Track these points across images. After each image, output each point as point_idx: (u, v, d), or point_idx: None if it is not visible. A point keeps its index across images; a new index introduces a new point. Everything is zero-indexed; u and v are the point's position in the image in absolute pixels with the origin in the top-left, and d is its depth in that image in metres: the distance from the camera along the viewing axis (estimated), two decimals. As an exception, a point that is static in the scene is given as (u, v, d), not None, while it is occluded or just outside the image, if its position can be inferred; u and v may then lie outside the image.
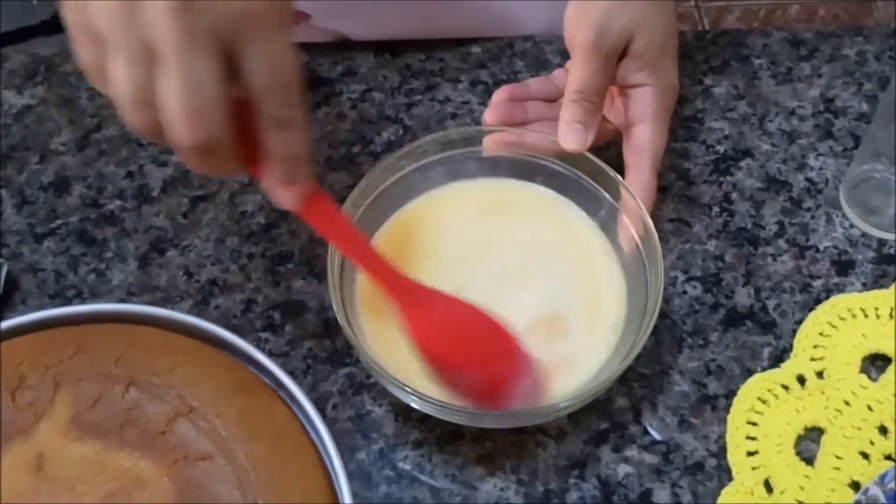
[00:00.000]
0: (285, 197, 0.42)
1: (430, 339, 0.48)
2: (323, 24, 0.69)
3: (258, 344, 0.53)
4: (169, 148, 0.39)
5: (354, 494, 0.44)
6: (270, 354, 0.50)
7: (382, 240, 0.53)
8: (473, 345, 0.49)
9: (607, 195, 0.53)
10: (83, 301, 0.55)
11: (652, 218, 0.51)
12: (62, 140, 0.62)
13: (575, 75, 0.53)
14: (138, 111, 0.38)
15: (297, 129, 0.41)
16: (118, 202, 0.59)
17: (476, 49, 0.67)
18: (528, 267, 0.53)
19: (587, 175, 0.54)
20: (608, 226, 0.54)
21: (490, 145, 0.55)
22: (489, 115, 0.55)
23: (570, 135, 0.52)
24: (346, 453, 0.50)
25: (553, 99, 0.57)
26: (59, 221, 0.59)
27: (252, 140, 0.40)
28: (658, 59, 0.54)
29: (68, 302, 0.55)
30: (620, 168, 0.54)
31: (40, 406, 0.44)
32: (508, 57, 0.66)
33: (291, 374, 0.47)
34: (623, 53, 0.53)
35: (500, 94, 0.56)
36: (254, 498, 0.42)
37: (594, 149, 0.53)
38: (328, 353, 0.54)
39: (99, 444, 0.42)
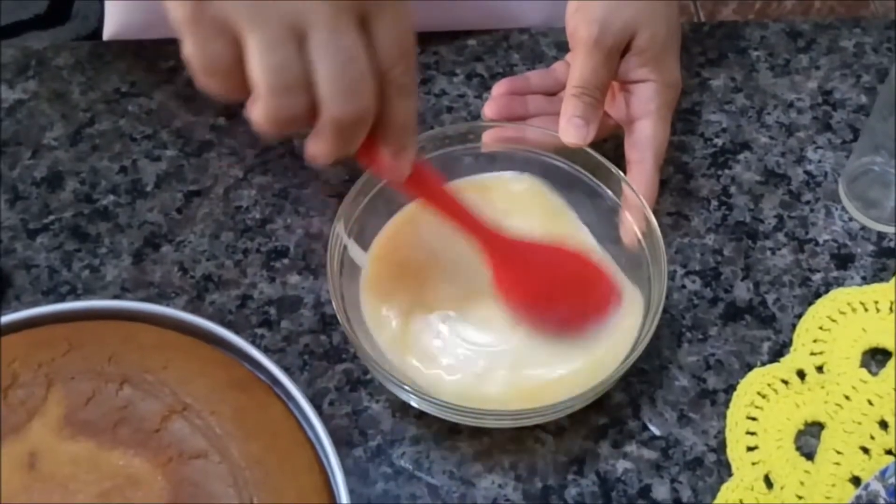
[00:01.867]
0: (397, 167, 0.43)
1: (523, 289, 0.50)
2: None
3: (254, 340, 0.53)
4: (299, 134, 0.39)
5: (351, 492, 0.43)
6: (266, 350, 0.50)
7: (380, 242, 0.53)
8: (564, 285, 0.51)
9: (608, 191, 0.53)
10: (77, 297, 0.55)
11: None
12: (55, 135, 0.62)
13: (576, 70, 0.52)
14: (287, 96, 0.37)
15: (415, 97, 0.42)
16: (112, 197, 0.59)
17: (472, 42, 0.66)
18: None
19: (588, 170, 0.53)
20: (609, 221, 0.53)
21: (489, 141, 0.54)
22: (489, 109, 0.55)
23: (572, 129, 0.52)
24: (343, 450, 0.49)
25: (553, 92, 0.57)
26: (52, 217, 0.58)
27: None
28: (661, 55, 0.54)
29: (62, 298, 0.55)
30: (619, 163, 0.53)
31: (33, 404, 0.43)
32: (504, 50, 0.66)
33: (287, 370, 0.47)
34: (625, 49, 0.53)
35: (500, 88, 0.55)
36: (249, 496, 0.41)
37: (592, 143, 0.52)
38: (324, 349, 0.53)
39: (92, 442, 0.42)
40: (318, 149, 0.40)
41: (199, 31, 0.37)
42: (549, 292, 0.51)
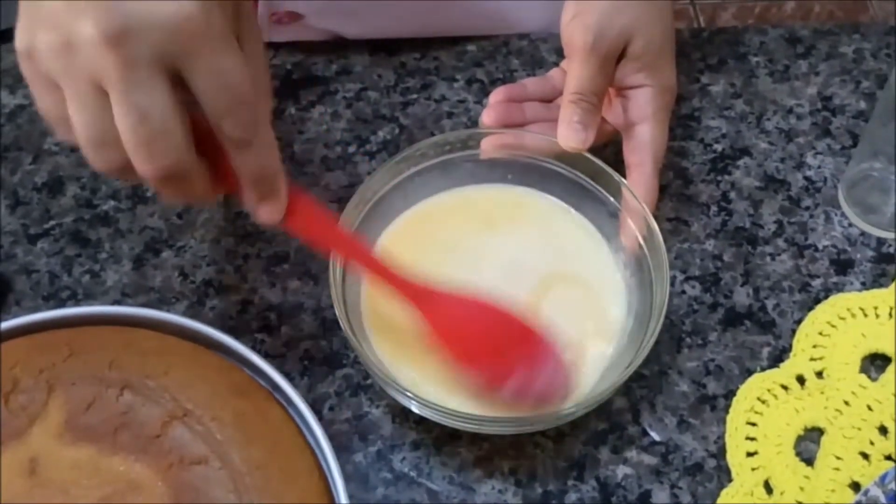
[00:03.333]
0: (264, 215, 0.42)
1: (452, 338, 0.47)
2: (317, 24, 0.68)
3: (254, 345, 0.53)
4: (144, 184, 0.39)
5: (351, 497, 0.43)
6: (266, 356, 0.50)
7: (382, 248, 0.53)
8: (496, 339, 0.48)
9: (608, 196, 0.53)
10: (77, 302, 0.55)
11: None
12: (55, 140, 0.62)
13: (573, 77, 0.52)
14: (101, 152, 0.38)
15: (259, 148, 0.39)
16: (112, 202, 0.59)
17: (471, 47, 0.66)
18: (530, 274, 0.52)
19: (587, 176, 0.53)
20: (609, 226, 0.53)
21: (488, 148, 0.54)
22: (487, 117, 0.55)
23: (570, 134, 0.52)
24: (343, 455, 0.49)
25: (550, 99, 0.57)
26: (52, 222, 0.58)
27: (225, 157, 0.39)
28: (656, 60, 0.54)
29: (62, 303, 0.55)
30: (618, 168, 0.53)
31: (34, 409, 0.43)
32: (504, 55, 0.66)
33: (288, 375, 0.47)
34: (621, 55, 0.53)
35: (497, 95, 0.56)
36: (249, 501, 0.41)
37: (592, 149, 0.53)
38: (325, 354, 0.53)
39: (93, 447, 0.42)
40: (162, 198, 0.40)
41: (34, 84, 0.38)
42: (477, 344, 0.48)
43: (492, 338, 0.49)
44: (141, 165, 0.37)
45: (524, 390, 0.48)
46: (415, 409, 0.48)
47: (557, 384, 0.48)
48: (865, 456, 0.49)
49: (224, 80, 0.37)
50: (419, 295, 0.47)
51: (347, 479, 0.44)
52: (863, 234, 0.57)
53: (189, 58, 0.36)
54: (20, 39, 0.38)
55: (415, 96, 0.64)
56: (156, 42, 0.36)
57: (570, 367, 0.48)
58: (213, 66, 0.37)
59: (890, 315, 0.54)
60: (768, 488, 0.48)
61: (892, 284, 0.55)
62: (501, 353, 0.48)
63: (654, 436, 0.50)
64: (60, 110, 0.38)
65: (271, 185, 0.41)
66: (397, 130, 0.62)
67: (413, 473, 0.49)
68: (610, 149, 0.56)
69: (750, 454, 0.49)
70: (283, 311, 0.55)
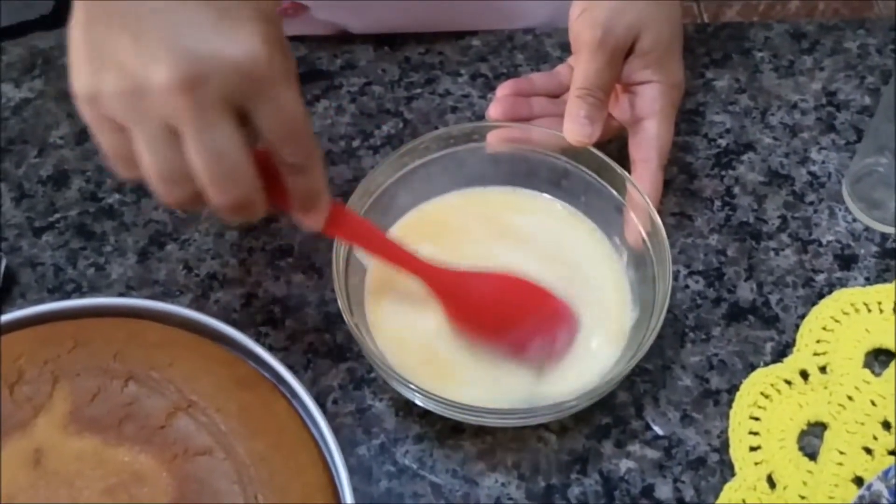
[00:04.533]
0: (310, 223, 0.45)
1: (471, 318, 0.50)
2: (322, 17, 0.68)
3: (258, 338, 0.53)
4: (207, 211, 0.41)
5: (355, 489, 0.43)
6: (270, 349, 0.50)
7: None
8: (515, 311, 0.51)
9: (613, 191, 0.53)
10: (82, 295, 0.55)
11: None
12: (60, 133, 0.62)
13: (580, 72, 0.52)
14: (173, 188, 0.40)
15: (312, 171, 0.42)
16: (117, 196, 0.59)
17: (476, 42, 0.66)
18: (535, 266, 0.52)
19: (592, 171, 0.53)
20: (613, 221, 0.53)
21: (494, 141, 0.54)
22: (493, 110, 0.55)
23: (577, 128, 0.52)
24: (347, 448, 0.49)
25: (557, 94, 0.57)
26: (57, 215, 0.58)
27: (273, 178, 0.42)
28: (664, 57, 0.54)
29: (67, 296, 0.55)
30: (623, 163, 0.53)
31: (38, 400, 0.43)
32: (508, 50, 0.66)
33: (292, 368, 0.47)
34: (629, 51, 0.53)
35: (504, 89, 0.56)
36: (254, 493, 0.41)
37: (597, 144, 0.53)
38: (328, 347, 0.53)
39: (97, 438, 0.42)
40: (226, 221, 0.42)
41: (100, 126, 0.40)
42: (501, 319, 0.51)
43: (508, 307, 0.51)
44: (216, 199, 0.40)
45: (549, 351, 0.50)
46: (418, 401, 0.48)
47: (569, 330, 0.51)
48: (869, 451, 0.49)
49: (285, 115, 0.39)
50: (447, 283, 0.50)
51: (351, 471, 0.44)
52: (867, 229, 0.57)
53: (256, 98, 0.38)
54: (82, 84, 0.38)
55: (419, 91, 0.64)
56: (227, 85, 0.37)
57: (573, 312, 0.51)
58: (276, 104, 0.39)
59: (894, 310, 0.53)
60: (771, 483, 0.48)
61: (896, 280, 0.55)
62: (520, 319, 0.51)
63: (658, 430, 0.51)
64: (125, 150, 0.39)
65: (317, 201, 0.44)
66: (401, 125, 0.62)
67: (416, 466, 0.49)
68: (614, 144, 0.56)
69: (753, 449, 0.49)
70: (288, 305, 0.55)
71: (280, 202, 0.43)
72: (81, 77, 0.38)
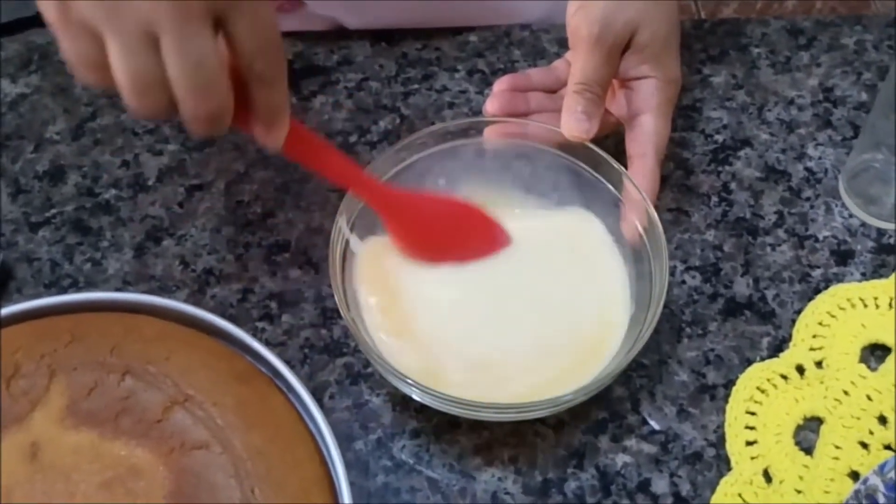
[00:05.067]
0: (270, 140, 0.45)
1: (415, 235, 0.52)
2: (318, 13, 0.68)
3: (255, 334, 0.53)
4: (170, 126, 0.42)
5: (352, 484, 0.43)
6: (267, 344, 0.50)
7: (383, 237, 0.53)
8: (454, 231, 0.53)
9: (610, 186, 0.53)
10: (79, 290, 0.55)
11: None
12: (57, 129, 0.62)
13: (578, 67, 0.52)
14: (146, 95, 0.39)
15: (279, 84, 0.43)
16: (114, 191, 0.59)
17: (473, 38, 0.66)
18: (530, 261, 0.53)
19: (589, 166, 0.53)
20: (610, 216, 0.53)
21: (491, 136, 0.54)
22: (491, 105, 0.55)
23: (574, 123, 0.52)
24: (344, 443, 0.50)
25: (554, 90, 0.57)
26: (54, 210, 0.58)
27: (238, 96, 0.42)
28: (661, 52, 0.54)
29: (64, 291, 0.55)
30: (620, 159, 0.53)
31: (35, 394, 0.43)
32: (505, 46, 0.66)
33: (288, 364, 0.47)
34: (626, 46, 0.53)
35: (501, 84, 0.56)
36: (250, 487, 0.41)
37: (594, 140, 0.53)
38: (325, 342, 0.53)
39: (94, 432, 0.42)
40: (191, 132, 0.42)
41: (67, 31, 0.39)
42: (445, 242, 0.53)
43: (455, 230, 0.53)
44: (191, 109, 0.40)
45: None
46: (415, 396, 0.48)
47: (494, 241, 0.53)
48: (864, 445, 0.49)
49: (261, 26, 0.40)
50: (391, 203, 0.51)
51: (348, 466, 0.44)
52: (863, 224, 0.58)
53: (235, 8, 0.39)
54: None
55: (416, 86, 0.64)
56: None
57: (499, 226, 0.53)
58: (252, 16, 0.40)
59: (890, 305, 0.54)
60: (767, 477, 0.49)
61: (893, 275, 0.55)
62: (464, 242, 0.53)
63: (654, 425, 0.51)
64: (95, 56, 0.39)
65: (281, 116, 0.44)
66: (398, 121, 0.62)
67: (413, 461, 0.49)
68: (611, 139, 0.56)
69: (749, 443, 0.49)
70: (284, 300, 0.55)
71: (241, 121, 0.44)
72: None
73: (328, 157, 0.49)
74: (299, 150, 0.48)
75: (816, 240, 0.57)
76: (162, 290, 0.55)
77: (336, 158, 0.50)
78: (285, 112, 0.44)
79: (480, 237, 0.53)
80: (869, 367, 0.52)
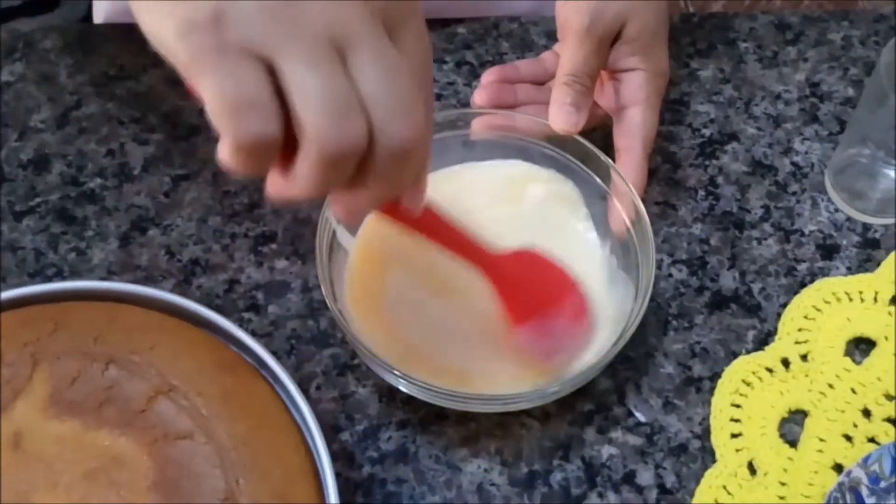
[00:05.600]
0: (414, 200, 0.38)
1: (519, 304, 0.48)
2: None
3: (241, 324, 0.52)
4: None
5: (338, 475, 0.43)
6: (253, 335, 0.49)
7: (369, 227, 0.53)
8: (544, 294, 0.49)
9: (597, 178, 0.53)
10: (63, 280, 0.55)
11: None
12: (41, 117, 0.61)
13: (567, 58, 0.52)
14: (347, 121, 0.31)
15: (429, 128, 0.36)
16: (99, 180, 0.59)
17: (461, 30, 0.66)
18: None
19: (577, 158, 0.53)
20: (597, 209, 0.53)
21: (479, 128, 0.54)
22: (479, 97, 0.55)
23: (562, 115, 0.52)
24: (330, 434, 0.49)
25: (542, 82, 0.57)
26: (38, 199, 0.58)
27: None
28: (650, 45, 0.54)
29: (48, 280, 0.55)
30: (608, 152, 0.53)
31: (18, 383, 0.43)
32: (494, 38, 0.66)
33: (275, 354, 0.46)
34: (616, 38, 0.53)
35: (489, 76, 0.55)
36: (235, 477, 0.41)
37: (581, 132, 0.53)
38: (312, 333, 0.53)
39: (77, 422, 0.42)
40: (383, 176, 0.33)
41: (221, 66, 0.30)
42: (534, 302, 0.49)
43: (542, 288, 0.49)
44: (397, 133, 0.32)
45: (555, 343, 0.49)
46: (402, 387, 0.48)
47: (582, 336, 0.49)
48: (849, 438, 0.49)
49: (425, 43, 0.35)
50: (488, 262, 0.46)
51: (334, 457, 0.44)
52: (849, 219, 0.58)
53: (405, 18, 0.34)
54: (196, 7, 0.30)
55: (404, 78, 0.64)
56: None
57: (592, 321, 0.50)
58: (417, 29, 0.34)
59: (875, 299, 0.54)
60: (752, 469, 0.49)
61: (878, 269, 0.55)
62: (548, 303, 0.49)
63: (640, 417, 0.51)
64: (263, 92, 0.30)
65: (426, 172, 0.38)
66: (386, 112, 0.62)
67: (399, 452, 0.49)
68: (599, 132, 0.56)
69: (734, 435, 0.50)
70: (271, 291, 0.55)
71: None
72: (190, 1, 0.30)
73: (442, 227, 0.43)
74: (424, 219, 0.40)
75: (802, 234, 0.57)
76: (147, 281, 0.55)
77: (450, 229, 0.44)
78: (429, 166, 0.37)
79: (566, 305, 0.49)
80: (854, 360, 0.52)
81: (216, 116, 0.30)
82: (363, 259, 0.52)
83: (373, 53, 0.31)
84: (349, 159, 0.31)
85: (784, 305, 0.54)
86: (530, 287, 0.49)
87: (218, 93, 0.30)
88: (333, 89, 0.30)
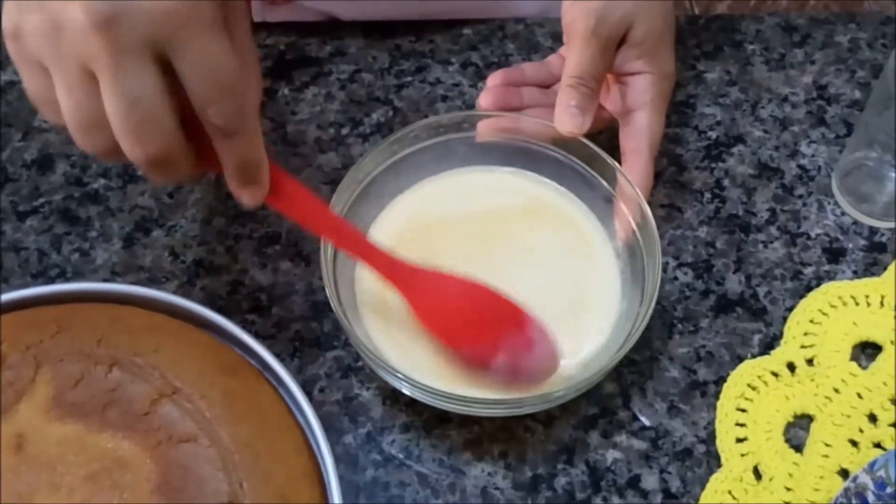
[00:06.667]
0: (245, 199, 0.42)
1: (437, 319, 0.48)
2: (311, 5, 0.68)
3: (244, 326, 0.52)
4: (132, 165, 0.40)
5: (341, 478, 0.43)
6: (257, 336, 0.49)
7: (374, 229, 0.53)
8: (484, 321, 0.48)
9: (603, 181, 0.53)
10: (66, 281, 0.54)
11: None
12: (42, 119, 0.61)
13: (573, 61, 0.52)
14: (89, 135, 0.38)
15: (243, 137, 0.39)
16: (103, 181, 0.59)
17: (467, 31, 0.66)
18: (525, 257, 0.52)
19: (583, 161, 0.53)
20: (603, 212, 0.53)
21: (484, 131, 0.54)
22: (484, 100, 0.55)
23: (568, 118, 0.51)
24: (333, 436, 0.49)
25: (548, 85, 0.57)
26: (42, 200, 0.58)
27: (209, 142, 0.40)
28: (656, 47, 0.54)
29: (51, 281, 0.54)
30: (613, 154, 0.53)
31: (21, 385, 0.43)
32: (500, 39, 0.66)
33: (278, 356, 0.46)
34: (622, 41, 0.53)
35: (495, 78, 0.55)
36: (238, 479, 0.41)
37: (587, 135, 0.52)
38: (315, 335, 0.53)
39: (80, 424, 0.42)
40: (151, 179, 0.40)
41: (21, 67, 0.38)
42: (474, 323, 0.48)
43: (477, 316, 0.48)
44: (130, 150, 0.38)
45: (513, 367, 0.48)
46: (405, 390, 0.47)
47: (545, 360, 0.48)
48: (854, 443, 0.49)
49: (210, 67, 0.37)
50: (402, 275, 0.47)
51: (337, 460, 0.44)
52: (855, 222, 0.57)
53: (176, 44, 0.36)
54: (7, 19, 0.38)
55: (409, 79, 0.63)
56: (144, 28, 0.36)
57: (555, 343, 0.48)
58: (199, 54, 0.37)
59: (881, 304, 0.54)
60: (757, 474, 0.49)
61: (884, 273, 0.55)
62: (487, 331, 0.48)
63: (644, 421, 0.50)
64: (48, 92, 0.38)
65: (253, 173, 0.41)
66: (391, 113, 0.62)
67: (403, 455, 0.49)
68: (605, 135, 0.56)
69: (739, 440, 0.49)
70: (274, 293, 0.54)
71: (218, 167, 0.41)
72: (7, 13, 0.38)
73: (324, 222, 0.46)
74: (289, 211, 0.44)
75: (808, 237, 0.57)
76: (151, 282, 0.55)
77: (334, 226, 0.47)
78: (259, 169, 0.41)
79: (510, 325, 0.48)
80: (860, 365, 0.52)
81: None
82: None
83: (107, 82, 0.36)
84: (112, 157, 0.39)
85: (790, 309, 0.54)
86: (468, 317, 0.48)
87: (26, 88, 0.40)
88: (77, 109, 0.38)
